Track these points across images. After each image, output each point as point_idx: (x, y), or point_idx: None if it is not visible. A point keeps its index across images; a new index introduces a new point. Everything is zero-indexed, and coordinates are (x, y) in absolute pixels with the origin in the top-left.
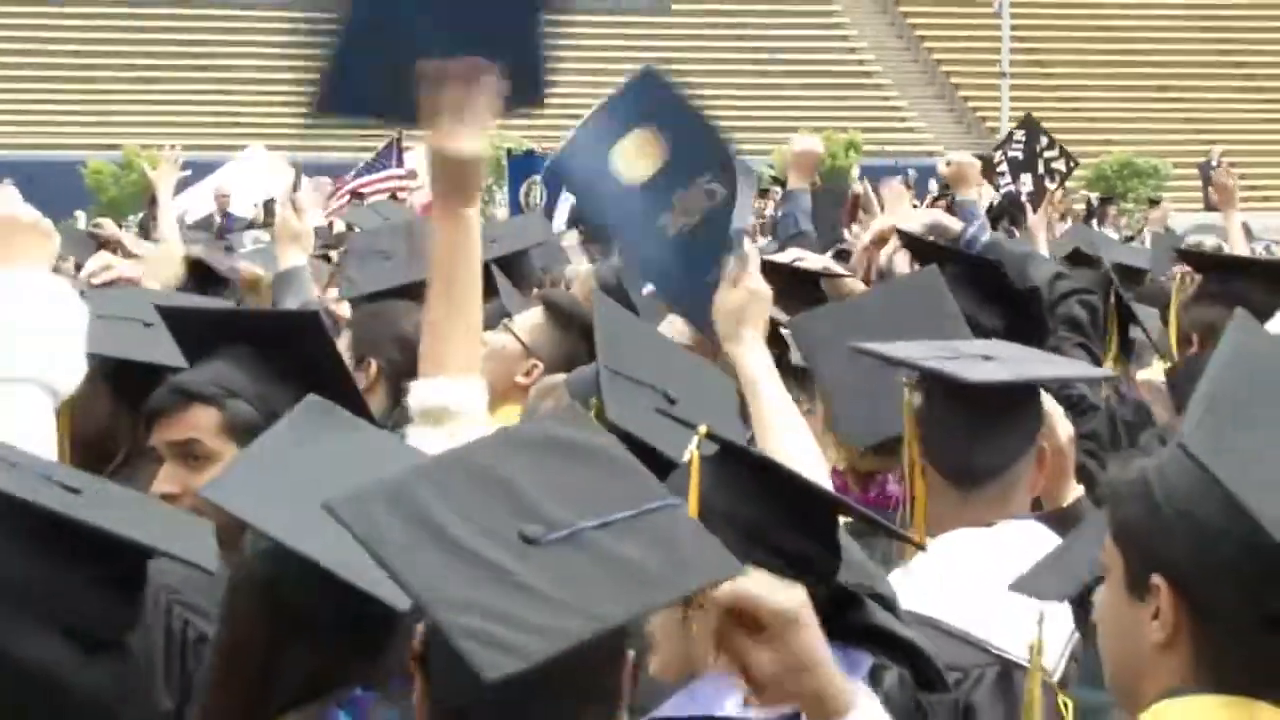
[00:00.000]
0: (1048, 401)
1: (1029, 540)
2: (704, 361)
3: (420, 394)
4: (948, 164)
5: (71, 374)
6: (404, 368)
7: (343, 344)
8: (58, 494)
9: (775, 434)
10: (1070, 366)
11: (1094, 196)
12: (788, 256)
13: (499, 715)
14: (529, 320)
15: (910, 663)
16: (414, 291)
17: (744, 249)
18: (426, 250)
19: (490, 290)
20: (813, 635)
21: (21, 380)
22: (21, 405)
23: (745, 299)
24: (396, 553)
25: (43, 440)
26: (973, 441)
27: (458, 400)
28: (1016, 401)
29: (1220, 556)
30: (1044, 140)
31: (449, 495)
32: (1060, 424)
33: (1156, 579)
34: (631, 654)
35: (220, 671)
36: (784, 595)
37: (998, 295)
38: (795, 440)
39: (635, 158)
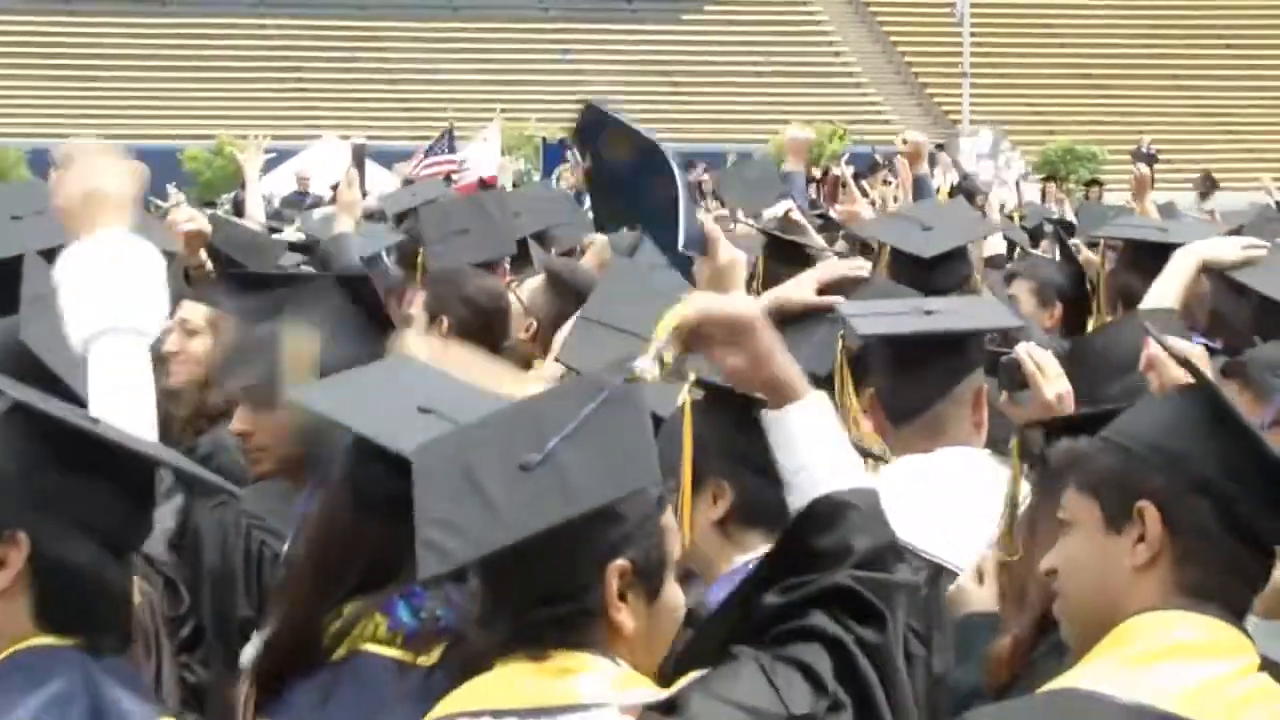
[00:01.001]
0: (1048, 363)
1: (962, 462)
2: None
3: None
4: (904, 141)
5: (158, 317)
6: (471, 325)
7: (420, 303)
8: (88, 422)
9: None
10: (984, 319)
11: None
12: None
13: (511, 582)
14: (531, 284)
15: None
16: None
17: (707, 233)
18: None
19: (526, 260)
20: (768, 334)
21: (120, 331)
22: (123, 354)
23: (722, 267)
24: (425, 475)
25: (145, 382)
26: (895, 383)
27: None
28: (935, 350)
29: (1196, 476)
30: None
31: (495, 437)
32: (1050, 383)
33: (1142, 503)
34: (623, 562)
35: (302, 558)
36: (743, 306)
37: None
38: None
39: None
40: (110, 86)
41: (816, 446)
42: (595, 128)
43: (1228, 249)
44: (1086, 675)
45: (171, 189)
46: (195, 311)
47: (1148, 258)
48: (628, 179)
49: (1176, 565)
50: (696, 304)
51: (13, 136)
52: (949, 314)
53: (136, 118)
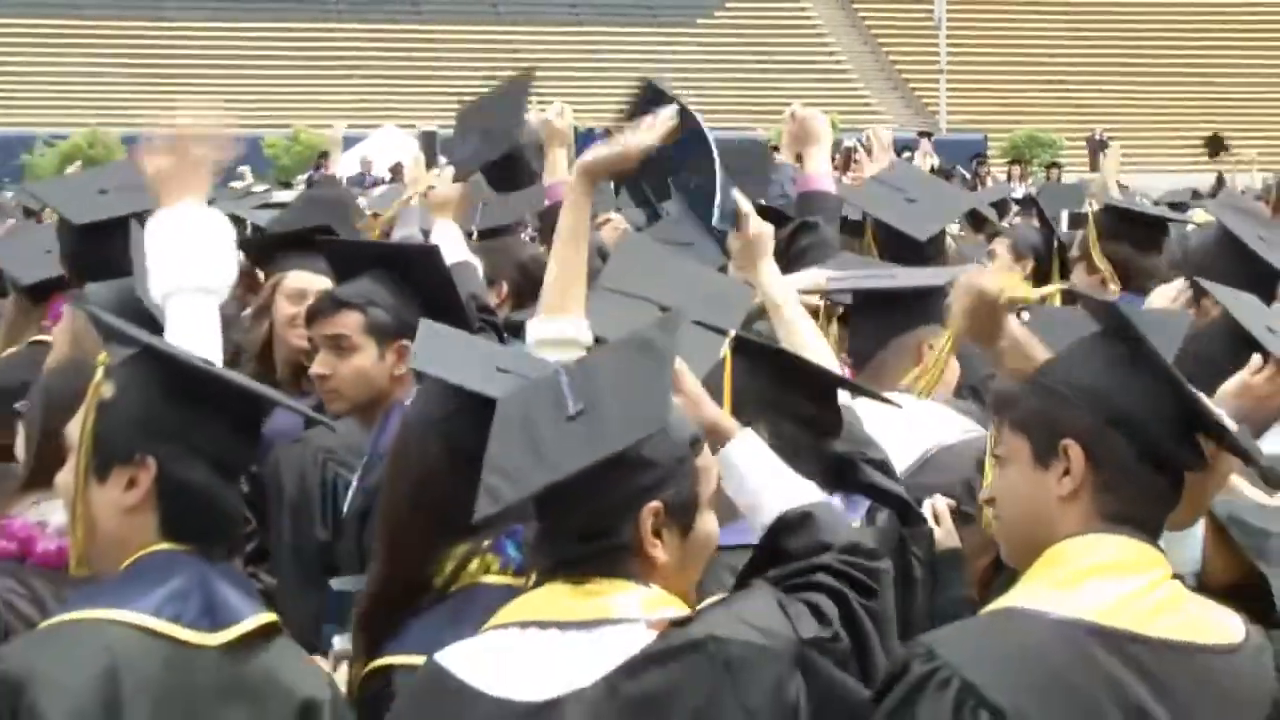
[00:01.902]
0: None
1: (904, 403)
2: (712, 273)
3: (544, 328)
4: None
5: (227, 276)
6: (524, 287)
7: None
8: (205, 363)
9: (797, 333)
10: (922, 280)
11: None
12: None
13: (553, 517)
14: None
15: (898, 508)
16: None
17: (740, 206)
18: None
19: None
20: (695, 387)
21: (192, 289)
22: (197, 310)
23: (752, 239)
24: (496, 427)
25: (212, 333)
26: (851, 334)
27: (571, 332)
28: (875, 308)
29: (1114, 412)
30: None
31: (550, 391)
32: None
33: (1067, 441)
34: (657, 504)
35: (406, 511)
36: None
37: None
38: (809, 337)
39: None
40: (199, 82)
41: (762, 473)
42: (651, 106)
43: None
44: (1023, 595)
45: (245, 170)
46: (304, 280)
47: (1128, 228)
48: (673, 157)
49: (1097, 495)
50: None
51: (113, 125)
52: (893, 277)
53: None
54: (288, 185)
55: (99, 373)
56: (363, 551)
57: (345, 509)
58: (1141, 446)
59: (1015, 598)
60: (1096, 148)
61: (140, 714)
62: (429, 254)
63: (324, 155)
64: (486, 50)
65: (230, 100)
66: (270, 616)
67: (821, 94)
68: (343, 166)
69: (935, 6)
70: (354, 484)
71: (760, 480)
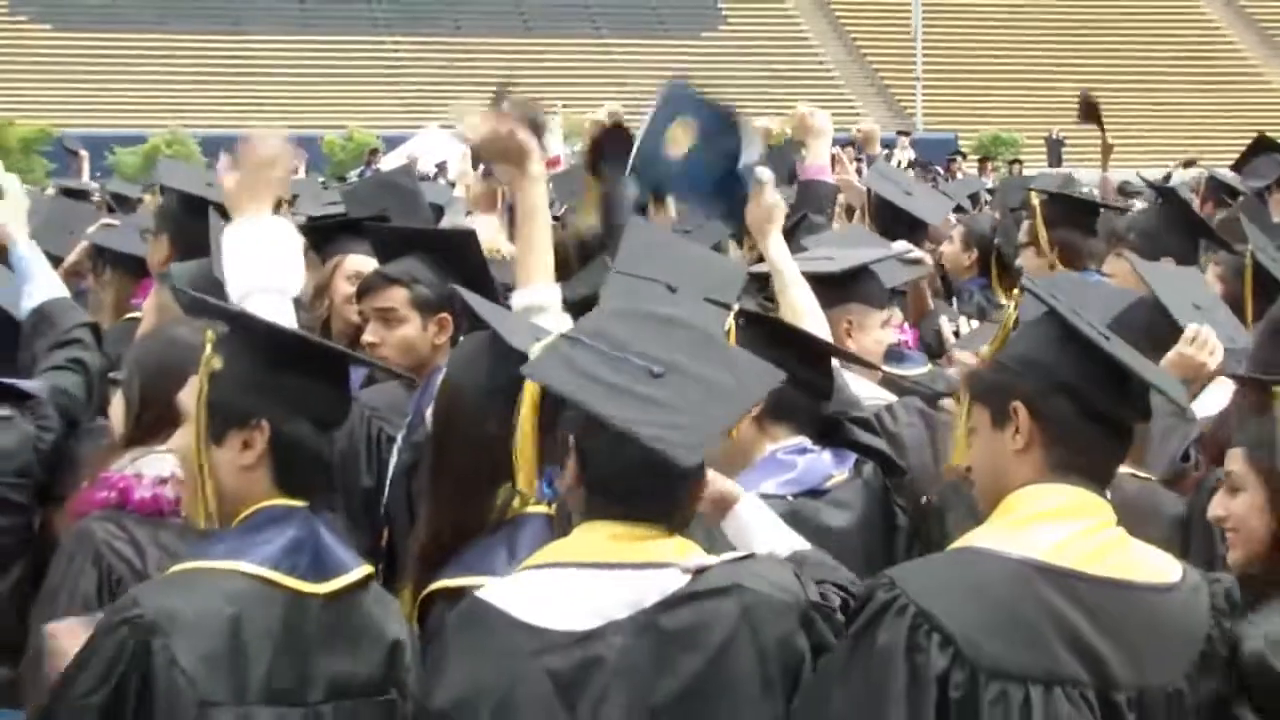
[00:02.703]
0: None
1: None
2: (711, 254)
3: (522, 297)
4: (858, 130)
5: (298, 279)
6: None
7: None
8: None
9: (794, 297)
10: (846, 262)
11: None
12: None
13: (629, 484)
14: None
15: (881, 461)
16: None
17: (759, 175)
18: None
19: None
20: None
21: (267, 290)
22: (273, 308)
23: (767, 207)
24: (600, 399)
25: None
26: None
27: (546, 299)
28: (814, 285)
29: (1053, 377)
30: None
31: (594, 352)
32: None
33: (1014, 404)
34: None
35: (469, 461)
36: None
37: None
38: (805, 300)
39: (677, 141)
40: (265, 88)
41: (765, 527)
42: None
43: None
44: (981, 536)
45: (300, 165)
46: (360, 263)
47: (1072, 214)
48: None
49: (1045, 449)
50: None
51: (190, 127)
52: (824, 260)
53: (286, 112)
54: (342, 179)
55: (208, 347)
56: (410, 500)
57: (392, 464)
58: (1080, 405)
59: (972, 539)
60: (1054, 146)
61: (261, 658)
62: (466, 238)
63: (373, 152)
64: (516, 58)
65: (292, 104)
66: (368, 568)
67: (811, 97)
68: (388, 163)
69: (912, 21)
70: (399, 441)
71: (764, 532)
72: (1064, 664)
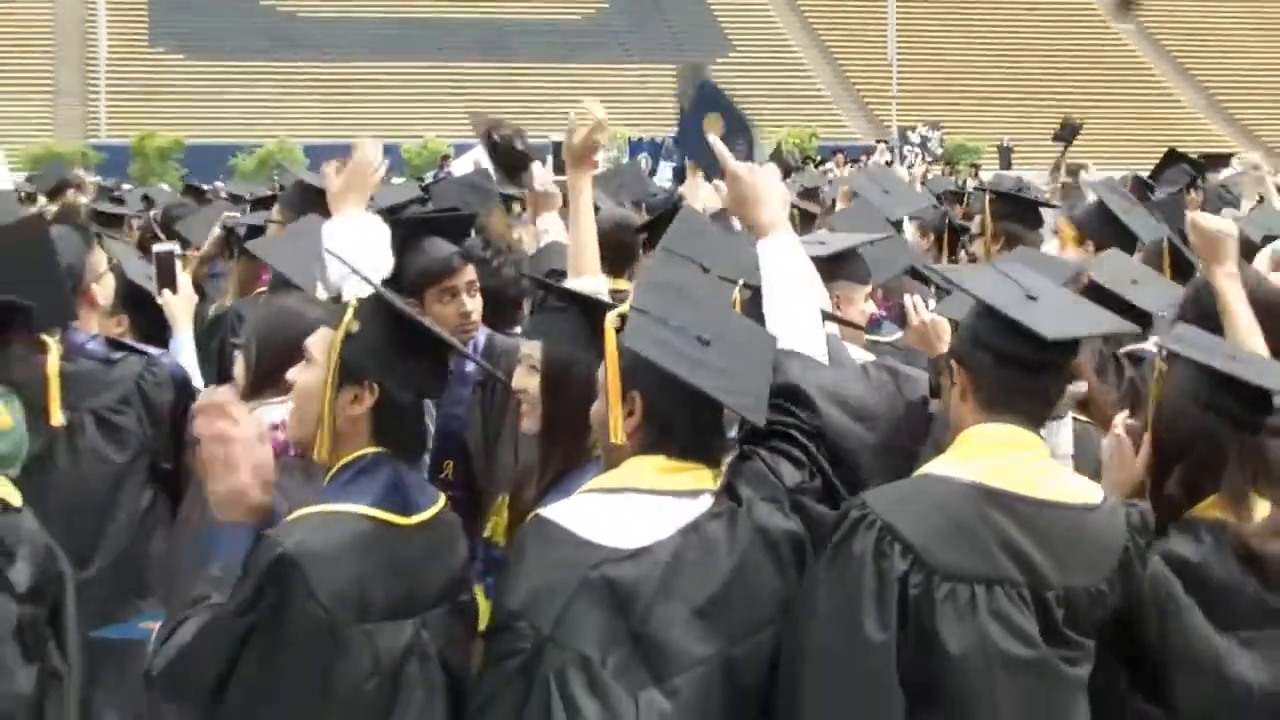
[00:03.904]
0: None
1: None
2: (736, 240)
3: (577, 287)
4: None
5: (386, 264)
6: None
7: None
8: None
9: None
10: (835, 246)
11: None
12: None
13: (694, 434)
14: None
15: None
16: None
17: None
18: None
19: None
20: (753, 197)
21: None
22: (361, 293)
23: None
24: (674, 361)
25: None
26: None
27: (597, 286)
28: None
29: (974, 336)
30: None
31: (668, 328)
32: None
33: (951, 361)
34: None
35: (579, 413)
36: (734, 166)
37: None
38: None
39: (710, 127)
40: (356, 103)
41: (775, 272)
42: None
43: None
44: (937, 465)
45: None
46: None
47: (1016, 210)
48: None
49: (976, 394)
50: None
51: (295, 137)
52: (818, 245)
53: (373, 125)
54: (420, 180)
55: (350, 311)
56: (486, 442)
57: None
58: (994, 354)
59: (929, 467)
60: (1004, 153)
61: (377, 583)
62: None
63: (445, 158)
64: (561, 80)
65: (377, 117)
66: (442, 501)
67: (805, 113)
68: (458, 167)
69: (889, 50)
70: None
71: (773, 287)
72: (1003, 568)
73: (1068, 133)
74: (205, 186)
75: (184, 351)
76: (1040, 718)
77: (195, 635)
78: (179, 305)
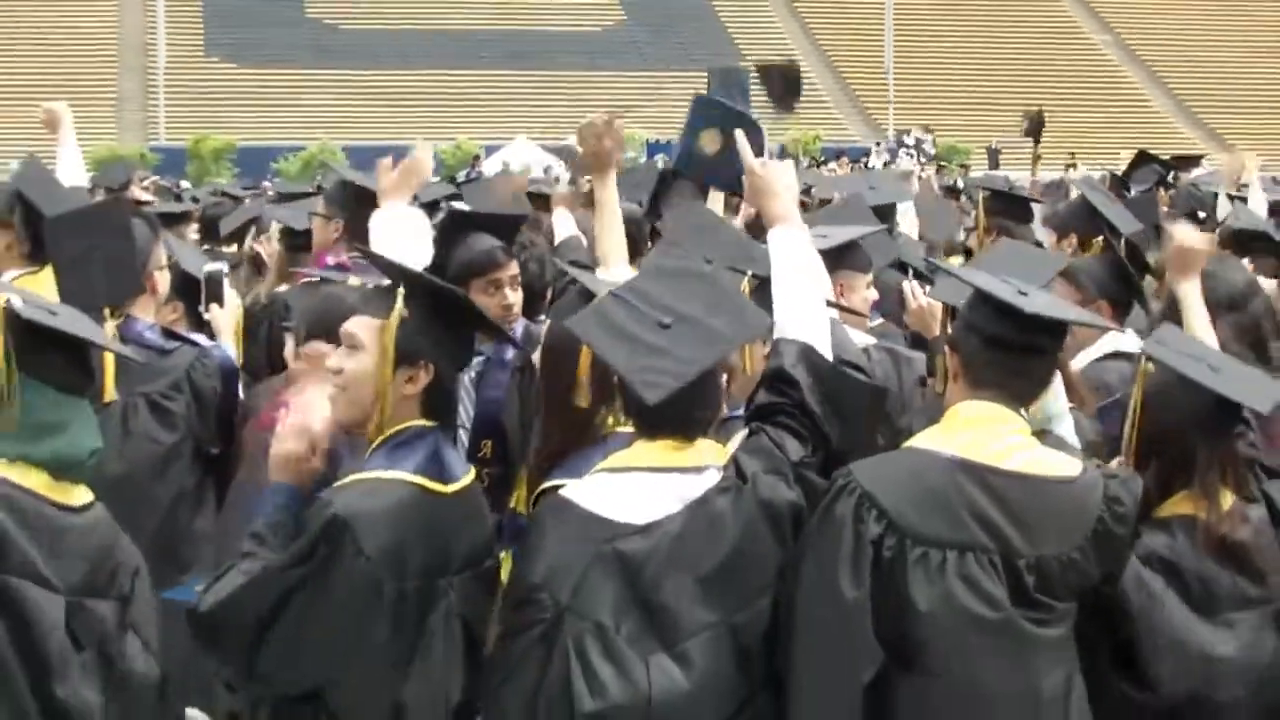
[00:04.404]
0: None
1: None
2: (737, 232)
3: (605, 277)
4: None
5: (427, 253)
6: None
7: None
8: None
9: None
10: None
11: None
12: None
13: (672, 408)
14: None
15: None
16: None
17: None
18: None
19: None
20: (767, 190)
21: (411, 263)
22: None
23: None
24: (607, 343)
25: None
26: None
27: (623, 277)
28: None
29: (965, 323)
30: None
31: (627, 307)
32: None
33: (947, 348)
34: (724, 376)
35: (566, 385)
36: (761, 165)
37: None
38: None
39: (706, 143)
40: (394, 108)
41: (783, 261)
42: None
43: None
44: (920, 438)
45: None
46: None
47: (1008, 207)
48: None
49: (964, 374)
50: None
51: (337, 139)
52: (820, 239)
53: (409, 128)
54: (453, 180)
55: (399, 300)
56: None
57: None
58: (980, 337)
59: (913, 441)
60: (993, 154)
61: (418, 546)
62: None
63: (476, 158)
64: (583, 87)
65: (414, 120)
66: (473, 472)
67: (810, 117)
68: (489, 167)
69: (885, 58)
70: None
71: (781, 276)
72: (974, 535)
73: (1034, 125)
74: (241, 192)
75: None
76: (1005, 673)
77: (243, 583)
78: (225, 320)
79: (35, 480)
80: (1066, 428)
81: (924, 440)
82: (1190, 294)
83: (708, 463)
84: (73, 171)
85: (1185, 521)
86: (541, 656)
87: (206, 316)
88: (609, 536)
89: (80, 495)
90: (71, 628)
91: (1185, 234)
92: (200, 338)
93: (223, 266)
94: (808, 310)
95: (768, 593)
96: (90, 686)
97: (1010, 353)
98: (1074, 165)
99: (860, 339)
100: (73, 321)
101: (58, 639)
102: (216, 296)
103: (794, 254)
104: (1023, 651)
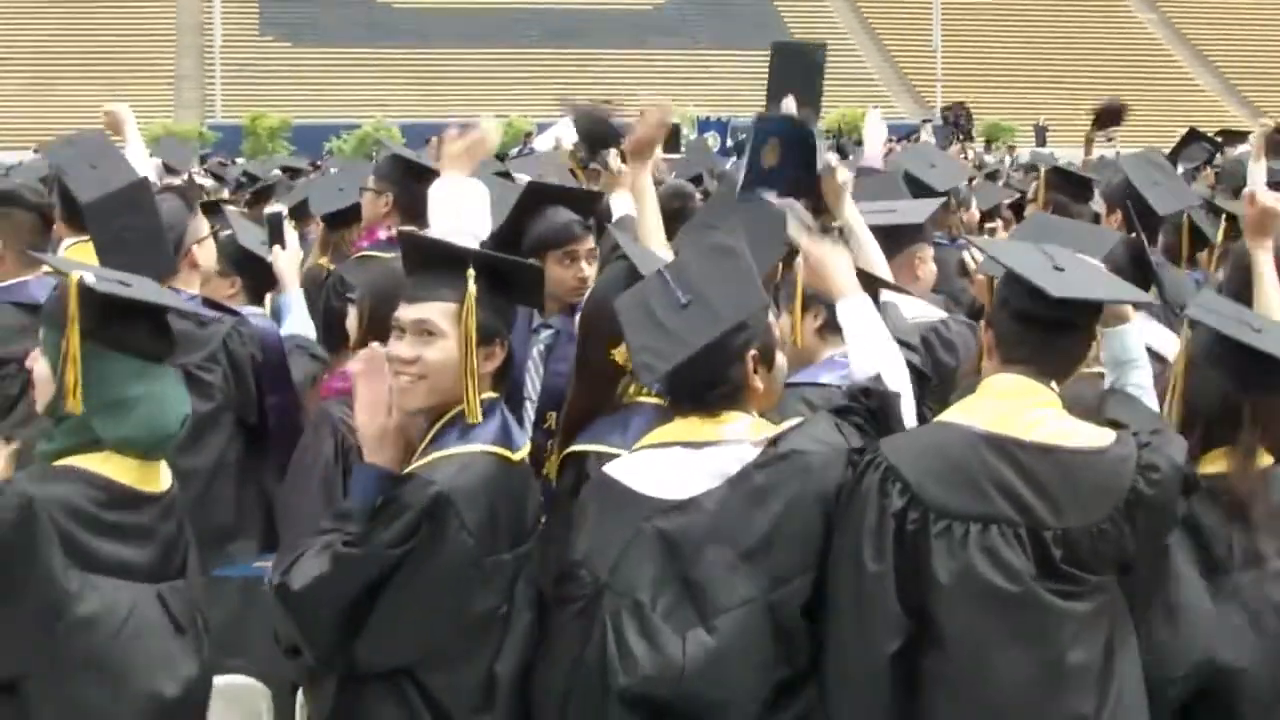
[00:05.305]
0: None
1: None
2: (769, 209)
3: None
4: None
5: (485, 225)
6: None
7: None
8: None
9: (863, 247)
10: (902, 218)
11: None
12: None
13: (681, 386)
14: None
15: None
16: None
17: (830, 162)
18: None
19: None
20: (822, 271)
21: (465, 233)
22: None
23: (839, 185)
24: (632, 318)
25: None
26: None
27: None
28: (880, 234)
29: (1000, 300)
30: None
31: (662, 285)
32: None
33: (983, 324)
34: (754, 352)
35: (606, 354)
36: (814, 246)
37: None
38: (871, 251)
39: (767, 157)
40: (447, 87)
41: (857, 333)
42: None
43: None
44: (949, 412)
45: None
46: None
47: (1066, 184)
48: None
49: (998, 348)
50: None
51: (392, 118)
52: (890, 213)
53: (461, 105)
54: (502, 158)
55: (471, 281)
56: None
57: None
58: (1010, 311)
59: (943, 415)
60: (1040, 132)
61: (504, 516)
62: (595, 196)
63: (528, 135)
64: (633, 64)
65: (466, 98)
66: (528, 441)
67: (857, 94)
68: (540, 143)
69: (933, 36)
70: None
71: (854, 340)
72: (997, 507)
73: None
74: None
75: (294, 303)
76: (1026, 648)
77: (339, 563)
78: (287, 261)
79: (122, 469)
80: (1141, 377)
81: (952, 414)
82: (1263, 258)
83: (743, 437)
84: (140, 170)
85: (1211, 478)
86: (580, 632)
87: (269, 258)
88: (648, 513)
89: (164, 479)
90: (171, 612)
91: (1267, 195)
92: (250, 310)
93: (283, 209)
94: (891, 372)
95: (808, 573)
96: (192, 666)
97: (1041, 329)
98: (1111, 141)
99: (933, 312)
100: (147, 290)
101: (159, 627)
102: (278, 238)
103: (863, 322)
104: (1046, 624)
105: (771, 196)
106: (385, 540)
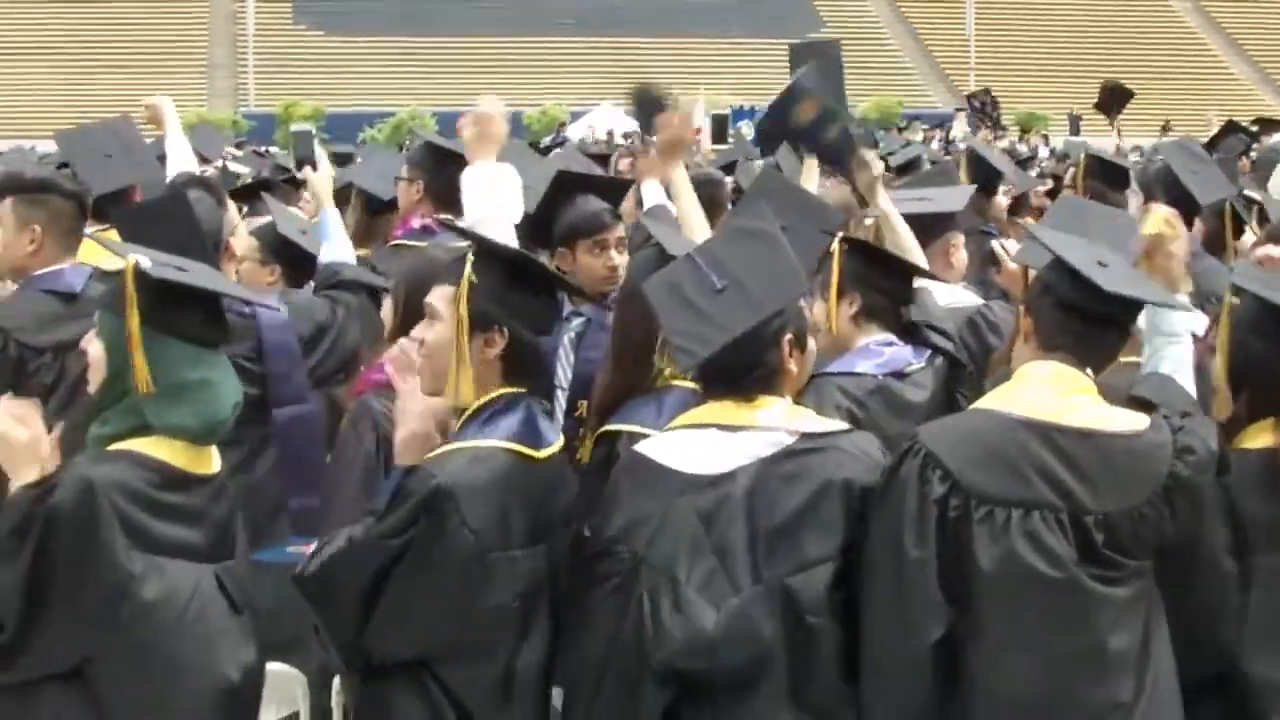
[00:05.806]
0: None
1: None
2: (812, 195)
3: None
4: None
5: (518, 211)
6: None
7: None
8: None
9: (897, 232)
10: (940, 206)
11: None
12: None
13: (718, 370)
14: None
15: (947, 358)
16: None
17: (863, 154)
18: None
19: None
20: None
21: (493, 219)
22: (500, 232)
23: (871, 174)
24: (665, 303)
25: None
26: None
27: None
28: (915, 222)
29: (1043, 286)
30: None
31: (692, 270)
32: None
33: (1021, 309)
34: (790, 336)
35: (642, 337)
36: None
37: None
38: (905, 236)
39: (801, 113)
40: (482, 74)
41: None
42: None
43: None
44: (986, 399)
45: None
46: None
47: (1104, 172)
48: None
49: (1036, 335)
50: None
51: (426, 106)
52: (924, 201)
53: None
54: (534, 146)
55: (468, 265)
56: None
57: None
58: (1052, 299)
59: (980, 402)
60: (1074, 121)
61: (517, 512)
62: (623, 184)
63: (562, 124)
64: (669, 53)
65: (501, 87)
66: (561, 438)
67: (891, 84)
68: (574, 132)
69: (966, 26)
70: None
71: None
72: (1039, 492)
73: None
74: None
75: (331, 224)
76: (1066, 633)
77: (344, 550)
78: (320, 181)
79: (173, 452)
80: (1181, 352)
81: (990, 400)
82: None
83: (779, 424)
84: (182, 161)
85: (1258, 454)
86: (617, 608)
87: (300, 176)
88: (682, 489)
89: (214, 461)
90: (228, 593)
91: None
92: (272, 298)
93: (310, 128)
94: None
95: (827, 566)
96: (250, 649)
97: (1084, 320)
98: (1168, 128)
99: (969, 298)
100: (203, 275)
101: (220, 609)
102: (307, 154)
103: None
104: (1088, 609)
105: (784, 159)
106: (382, 531)
